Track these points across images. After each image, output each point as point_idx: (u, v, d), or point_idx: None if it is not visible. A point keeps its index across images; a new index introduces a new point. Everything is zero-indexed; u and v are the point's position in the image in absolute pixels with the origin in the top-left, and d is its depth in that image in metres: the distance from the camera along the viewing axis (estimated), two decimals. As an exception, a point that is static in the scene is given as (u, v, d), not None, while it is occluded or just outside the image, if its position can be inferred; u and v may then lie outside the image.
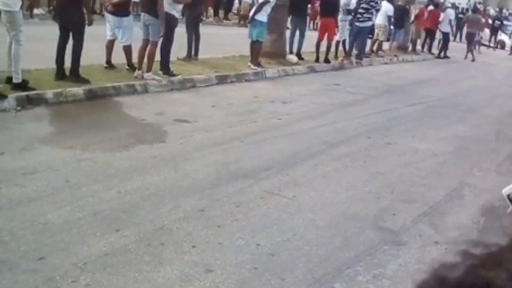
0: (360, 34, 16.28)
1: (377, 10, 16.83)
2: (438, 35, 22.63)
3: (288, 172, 6.39)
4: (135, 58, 10.38)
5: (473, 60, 22.01)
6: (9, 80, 8.27)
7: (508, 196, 1.84)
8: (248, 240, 4.62)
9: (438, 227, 5.35)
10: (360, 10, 15.97)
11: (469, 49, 22.68)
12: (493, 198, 6.19)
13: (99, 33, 10.38)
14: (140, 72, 10.04)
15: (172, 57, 11.00)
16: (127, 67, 10.44)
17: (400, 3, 19.04)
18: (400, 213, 5.58)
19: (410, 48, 21.46)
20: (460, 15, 29.94)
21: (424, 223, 5.42)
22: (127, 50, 10.33)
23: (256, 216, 5.11)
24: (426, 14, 21.70)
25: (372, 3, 16.24)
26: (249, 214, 5.12)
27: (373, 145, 7.95)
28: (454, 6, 29.71)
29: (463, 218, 5.67)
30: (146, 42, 10.08)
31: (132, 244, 4.36)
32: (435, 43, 22.82)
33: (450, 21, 22.76)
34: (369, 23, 16.44)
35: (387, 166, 7.06)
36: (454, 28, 24.64)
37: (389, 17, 17.81)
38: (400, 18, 18.85)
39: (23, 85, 8.21)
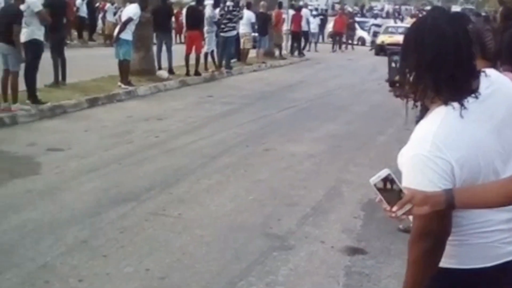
0: (227, 44, 16.47)
1: (240, 19, 17.10)
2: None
3: (170, 190, 6.33)
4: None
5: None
6: None
7: (375, 185, 1.89)
8: (137, 266, 4.51)
9: (322, 227, 5.50)
10: (224, 21, 16.18)
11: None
12: (369, 191, 6.41)
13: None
14: (6, 104, 9.58)
15: (39, 84, 10.59)
16: None
17: (261, 10, 19.43)
18: (284, 217, 5.68)
19: (277, 53, 22.01)
20: (321, 16, 31.11)
21: (308, 224, 5.54)
22: None
23: (143, 240, 5.02)
24: (289, 18, 22.62)
25: (235, 13, 16.52)
26: (135, 239, 5.02)
27: (251, 153, 8.05)
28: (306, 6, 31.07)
29: (344, 215, 5.86)
30: (7, 72, 9.62)
31: (15, 287, 4.14)
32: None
33: (307, 20, 24.79)
34: (234, 32, 16.69)
35: (267, 172, 7.17)
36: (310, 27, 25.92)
37: (252, 25, 18.15)
38: (263, 25, 19.25)
39: None
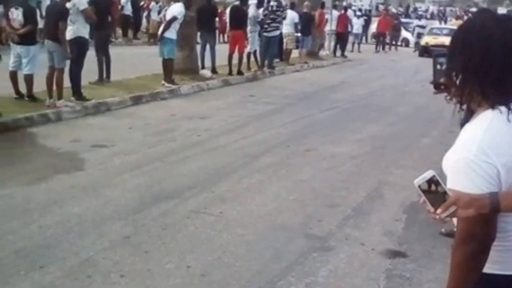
0: (270, 44, 16.48)
1: (284, 19, 17.08)
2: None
3: (212, 188, 6.37)
4: (36, 88, 10.09)
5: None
6: None
7: (420, 186, 1.89)
8: (178, 263, 4.56)
9: (363, 229, 5.46)
10: (268, 21, 16.20)
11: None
12: (412, 194, 6.36)
13: (5, 64, 10.04)
14: (51, 100, 9.78)
15: (84, 81, 10.79)
16: (26, 98, 10.08)
17: (305, 10, 19.39)
18: (325, 218, 5.66)
19: (321, 53, 21.94)
20: (365, 17, 30.91)
21: (349, 226, 5.51)
22: (28, 79, 9.97)
23: (184, 237, 5.06)
24: (332, 18, 22.55)
25: (278, 13, 16.51)
26: (177, 236, 5.07)
27: (293, 153, 8.05)
28: (349, 7, 31.02)
29: (386, 217, 5.81)
30: (52, 69, 9.82)
31: (58, 280, 4.22)
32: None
33: (350, 21, 24.94)
34: (277, 32, 16.69)
35: (308, 173, 7.16)
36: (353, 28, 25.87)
37: (295, 25, 18.10)
38: (306, 25, 19.20)
39: None
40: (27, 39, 9.81)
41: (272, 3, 16.61)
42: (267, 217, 5.63)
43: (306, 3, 19.57)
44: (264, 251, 4.85)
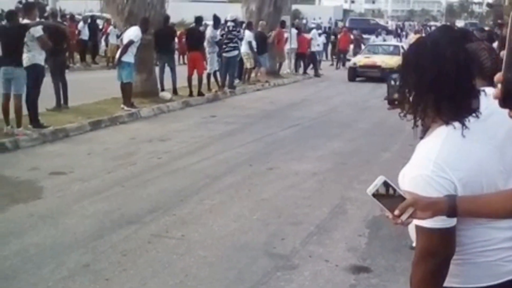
0: (229, 64, 16.51)
1: (240, 39, 17.13)
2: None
3: (174, 211, 6.30)
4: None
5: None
6: None
7: (377, 191, 1.87)
8: (139, 289, 4.48)
9: (326, 245, 5.44)
10: (225, 41, 16.25)
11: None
12: (374, 209, 6.39)
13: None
14: (9, 127, 9.59)
15: (41, 108, 10.61)
16: None
17: (259, 29, 19.42)
18: (289, 236, 5.63)
19: (285, 71, 22.06)
20: (325, 34, 31.12)
21: (313, 243, 5.49)
22: None
23: (145, 262, 4.98)
24: (293, 37, 22.55)
25: (235, 33, 16.56)
26: (138, 262, 4.98)
27: (255, 172, 8.02)
28: (319, 27, 31.11)
29: (349, 233, 5.80)
30: (7, 96, 9.64)
31: (15, 313, 4.11)
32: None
33: (310, 41, 24.28)
34: (236, 52, 16.69)
35: (271, 191, 7.13)
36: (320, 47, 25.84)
37: (249, 43, 18.04)
38: (261, 44, 19.14)
39: None
40: None
41: (229, 23, 16.67)
42: (230, 237, 5.58)
43: (260, 22, 19.65)
44: (227, 273, 4.80)
